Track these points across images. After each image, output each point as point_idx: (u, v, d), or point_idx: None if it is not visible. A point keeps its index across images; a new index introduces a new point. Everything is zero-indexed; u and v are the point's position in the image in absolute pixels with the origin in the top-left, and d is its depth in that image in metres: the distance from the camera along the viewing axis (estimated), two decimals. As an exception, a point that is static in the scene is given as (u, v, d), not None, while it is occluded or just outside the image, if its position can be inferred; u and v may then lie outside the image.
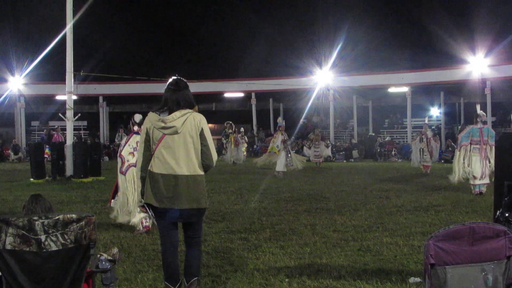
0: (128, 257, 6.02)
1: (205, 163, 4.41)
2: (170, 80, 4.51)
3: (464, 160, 11.29)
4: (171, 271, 4.40)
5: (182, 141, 4.31)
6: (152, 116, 4.39)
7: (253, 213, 9.01)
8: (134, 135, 7.61)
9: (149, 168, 4.37)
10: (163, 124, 4.31)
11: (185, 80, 4.52)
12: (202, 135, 4.37)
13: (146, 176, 4.39)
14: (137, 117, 7.74)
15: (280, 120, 17.78)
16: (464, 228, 3.04)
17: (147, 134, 4.38)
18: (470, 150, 11.28)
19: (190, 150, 4.33)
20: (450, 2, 32.66)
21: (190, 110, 4.39)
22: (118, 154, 7.85)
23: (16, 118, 31.46)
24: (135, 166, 7.34)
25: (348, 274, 5.23)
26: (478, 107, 12.02)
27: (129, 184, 7.45)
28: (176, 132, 4.30)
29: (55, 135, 24.93)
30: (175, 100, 4.37)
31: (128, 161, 7.50)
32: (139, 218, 7.44)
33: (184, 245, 4.57)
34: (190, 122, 4.33)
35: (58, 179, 15.67)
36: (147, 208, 4.43)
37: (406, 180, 14.90)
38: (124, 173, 7.49)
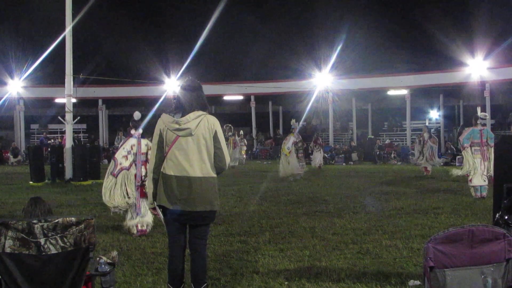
0: (128, 260, 6.01)
1: (218, 166, 4.36)
2: (183, 80, 4.48)
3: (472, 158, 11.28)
4: (176, 275, 4.34)
5: (195, 143, 4.27)
6: (165, 117, 4.34)
7: (252, 216, 9.01)
8: (130, 139, 7.60)
9: (161, 170, 4.31)
10: (177, 126, 4.26)
11: (198, 81, 4.48)
12: (215, 137, 4.33)
13: (159, 178, 4.33)
14: (137, 116, 7.71)
15: (293, 122, 17.29)
16: (464, 231, 3.04)
17: (160, 135, 4.33)
18: (472, 152, 11.30)
19: (203, 152, 4.29)
20: (450, 5, 32.69)
21: (204, 112, 4.35)
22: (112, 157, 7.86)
23: (15, 121, 31.45)
24: (127, 169, 7.39)
25: (347, 277, 5.23)
26: (479, 109, 12.03)
27: (118, 187, 7.40)
28: (190, 134, 4.26)
29: (64, 138, 24.89)
30: (189, 101, 4.34)
31: (120, 164, 7.46)
32: (134, 223, 7.43)
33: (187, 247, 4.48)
34: (204, 124, 4.29)
35: (58, 182, 15.67)
36: (158, 210, 4.36)
37: (406, 183, 14.90)
38: (115, 176, 7.44)
